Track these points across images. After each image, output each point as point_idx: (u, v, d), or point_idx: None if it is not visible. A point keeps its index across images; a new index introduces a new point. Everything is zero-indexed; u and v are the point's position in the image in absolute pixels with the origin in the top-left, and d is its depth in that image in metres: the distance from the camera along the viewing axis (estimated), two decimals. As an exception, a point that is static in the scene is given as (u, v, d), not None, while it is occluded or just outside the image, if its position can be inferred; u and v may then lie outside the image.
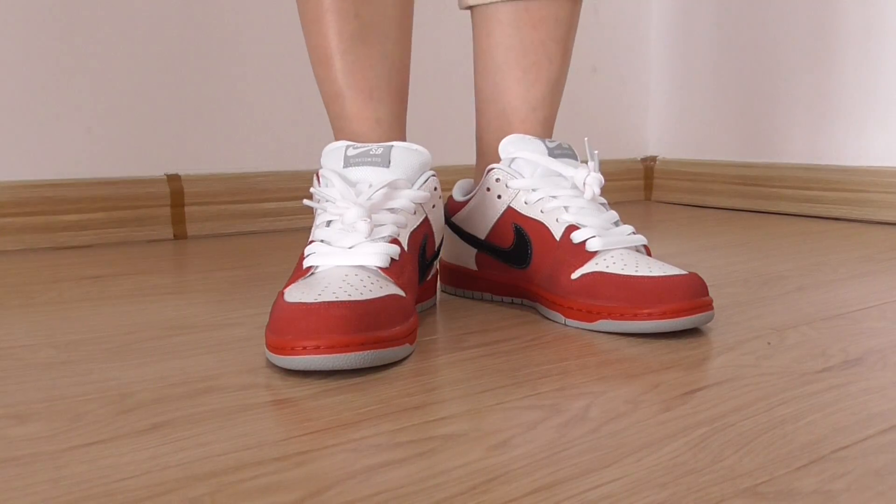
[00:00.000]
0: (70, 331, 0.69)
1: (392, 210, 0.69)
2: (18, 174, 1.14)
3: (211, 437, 0.47)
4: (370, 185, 0.69)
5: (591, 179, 0.74)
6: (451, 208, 0.83)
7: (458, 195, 0.84)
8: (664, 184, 1.74)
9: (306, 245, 0.68)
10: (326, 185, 0.71)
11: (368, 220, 0.65)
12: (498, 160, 0.82)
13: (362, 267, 0.64)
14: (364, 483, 0.41)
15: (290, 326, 0.57)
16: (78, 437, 0.47)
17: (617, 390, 0.55)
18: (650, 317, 0.65)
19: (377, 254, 0.65)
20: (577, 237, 0.72)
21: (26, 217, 1.13)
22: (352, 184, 0.69)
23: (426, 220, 0.72)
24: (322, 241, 0.67)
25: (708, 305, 0.67)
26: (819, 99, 1.48)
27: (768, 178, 1.54)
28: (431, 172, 0.73)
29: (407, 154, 0.71)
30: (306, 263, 0.66)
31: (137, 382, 0.56)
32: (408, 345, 0.61)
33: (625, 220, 1.49)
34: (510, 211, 0.77)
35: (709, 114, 1.67)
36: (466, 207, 0.81)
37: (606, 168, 1.71)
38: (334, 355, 0.56)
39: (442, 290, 0.85)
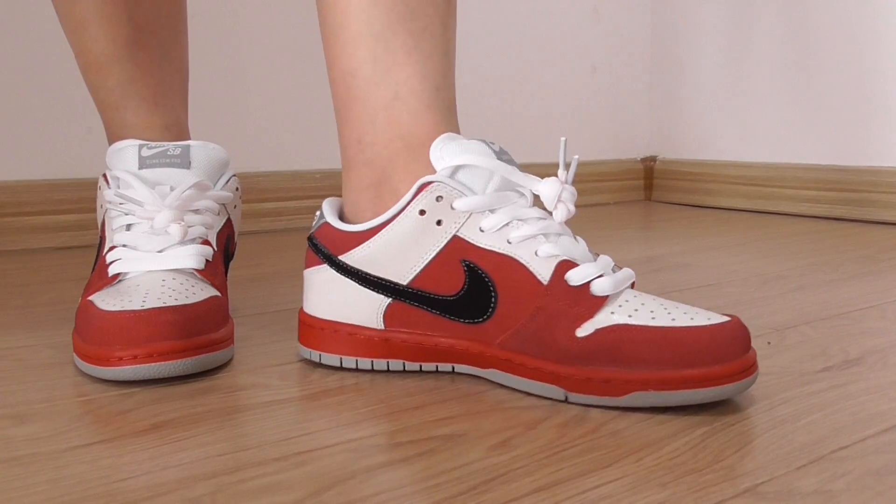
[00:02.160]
0: (70, 331, 0.69)
1: (197, 211, 0.66)
2: (18, 174, 1.14)
3: (211, 437, 0.47)
4: (171, 188, 0.65)
5: (567, 195, 0.55)
6: (337, 242, 0.58)
7: (336, 221, 0.60)
8: (664, 184, 1.74)
9: (106, 251, 0.64)
10: (120, 188, 0.66)
11: (181, 222, 0.63)
12: (402, 170, 0.58)
13: (178, 270, 0.62)
14: (364, 483, 0.41)
15: (117, 336, 0.54)
16: (78, 437, 0.47)
17: (617, 390, 0.55)
18: (707, 381, 0.50)
19: (192, 255, 0.63)
20: (574, 277, 0.53)
21: (26, 217, 1.13)
22: (151, 185, 0.65)
23: (229, 220, 0.71)
24: (125, 245, 0.63)
25: (755, 360, 0.53)
26: (819, 99, 1.48)
27: (768, 178, 1.54)
28: (232, 173, 0.71)
29: (206, 153, 0.68)
30: (113, 270, 0.62)
31: (137, 382, 0.56)
32: (231, 347, 0.61)
33: (625, 220, 1.49)
34: (457, 243, 0.55)
35: (709, 114, 1.67)
36: (373, 241, 0.57)
37: (606, 168, 1.71)
38: (164, 363, 0.54)
39: (302, 359, 0.61)
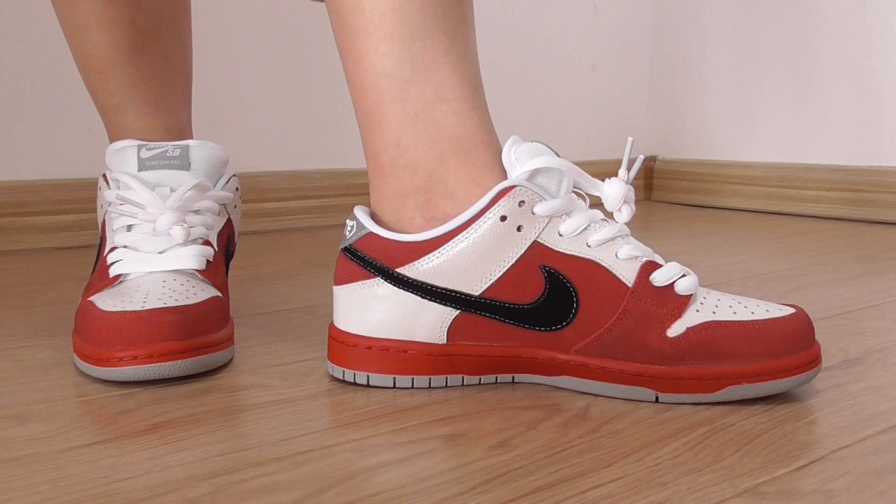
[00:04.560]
0: (70, 331, 0.69)
1: (198, 212, 0.66)
2: (18, 174, 1.14)
3: (211, 437, 0.47)
4: (172, 189, 0.65)
5: (631, 195, 0.55)
6: (393, 253, 0.54)
7: (384, 231, 0.55)
8: (664, 184, 1.74)
9: (107, 252, 0.64)
10: (120, 189, 0.66)
11: (184, 224, 0.63)
12: (455, 173, 0.55)
13: (178, 271, 0.62)
14: (364, 483, 0.41)
15: (118, 336, 0.55)
16: (78, 437, 0.47)
17: (617, 390, 0.55)
18: (797, 369, 0.52)
19: (194, 256, 0.63)
20: (660, 278, 0.53)
21: (26, 217, 1.13)
22: (151, 187, 0.65)
23: (229, 220, 0.71)
24: (126, 246, 0.63)
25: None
26: (819, 99, 1.48)
27: (768, 178, 1.54)
28: (232, 173, 0.71)
29: (205, 152, 0.68)
30: (114, 271, 0.62)
31: (138, 382, 0.56)
32: (231, 347, 0.61)
33: (625, 220, 1.49)
34: (537, 248, 0.53)
35: (709, 114, 1.67)
36: (443, 251, 0.53)
37: (607, 168, 1.71)
38: (164, 364, 0.54)
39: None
